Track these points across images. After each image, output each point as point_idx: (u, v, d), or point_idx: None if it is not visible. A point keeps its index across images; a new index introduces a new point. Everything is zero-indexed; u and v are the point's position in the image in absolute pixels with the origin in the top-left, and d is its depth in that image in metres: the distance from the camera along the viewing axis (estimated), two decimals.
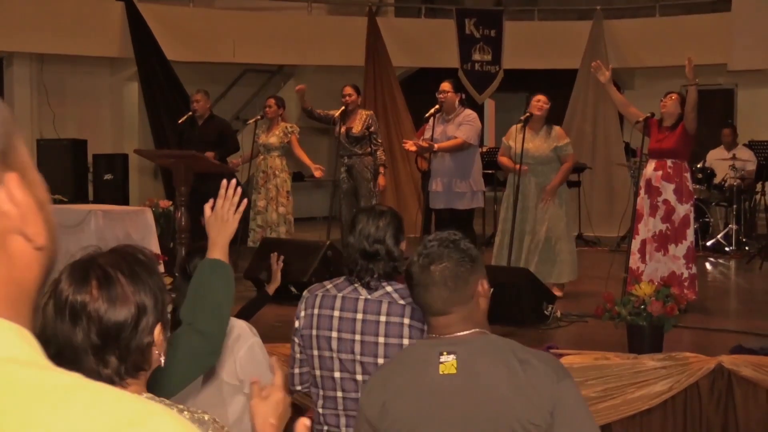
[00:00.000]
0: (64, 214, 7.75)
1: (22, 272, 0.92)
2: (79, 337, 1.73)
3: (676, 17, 14.10)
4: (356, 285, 3.40)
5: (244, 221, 8.50)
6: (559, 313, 6.76)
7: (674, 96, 7.30)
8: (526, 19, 14.60)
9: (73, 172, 11.85)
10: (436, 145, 7.96)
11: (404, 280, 2.58)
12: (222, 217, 2.58)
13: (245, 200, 2.66)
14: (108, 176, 12.01)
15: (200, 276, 2.52)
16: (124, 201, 11.64)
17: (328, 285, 3.47)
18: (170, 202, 9.80)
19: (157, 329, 1.82)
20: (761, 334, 6.24)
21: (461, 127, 8.04)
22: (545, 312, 6.64)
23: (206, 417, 1.72)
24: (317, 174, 9.27)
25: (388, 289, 3.37)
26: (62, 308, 1.75)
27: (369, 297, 3.36)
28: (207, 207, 2.65)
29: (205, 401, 3.54)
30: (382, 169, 9.02)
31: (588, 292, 7.57)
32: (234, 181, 2.67)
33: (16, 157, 0.91)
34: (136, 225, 7.81)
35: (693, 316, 6.85)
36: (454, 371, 2.38)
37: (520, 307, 6.46)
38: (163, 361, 1.84)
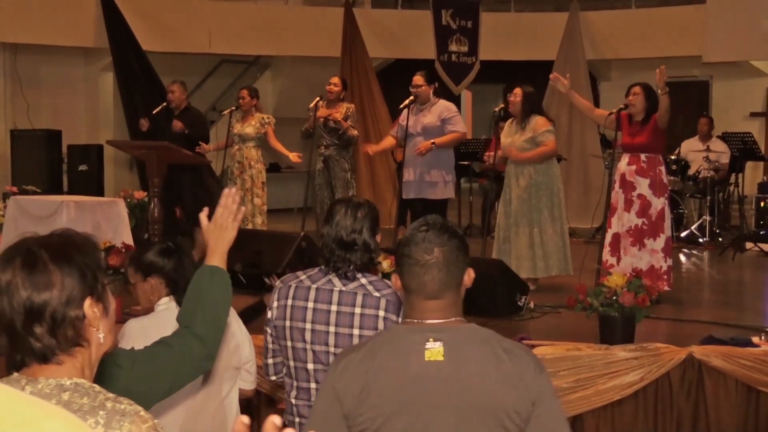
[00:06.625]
0: (37, 205, 7.71)
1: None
2: (7, 312, 1.82)
3: (652, 9, 14.16)
4: (330, 276, 3.37)
5: None
6: (532, 304, 6.78)
7: (637, 89, 7.26)
8: (503, 11, 14.61)
9: (47, 163, 11.78)
10: (437, 141, 7.94)
11: (396, 260, 2.55)
12: (221, 225, 2.59)
13: (243, 208, 2.66)
14: (83, 167, 11.93)
15: (200, 282, 2.53)
16: (99, 192, 11.57)
17: (302, 276, 3.43)
18: (145, 194, 9.76)
19: (87, 303, 1.85)
20: (732, 325, 6.29)
21: (450, 120, 8.04)
22: (518, 303, 6.66)
23: (128, 408, 1.74)
24: (295, 159, 9.20)
25: (363, 281, 3.35)
26: None
27: (344, 288, 3.34)
28: (203, 216, 2.64)
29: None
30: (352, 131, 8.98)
31: (561, 283, 7.60)
32: (234, 189, 2.68)
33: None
34: (108, 216, 7.79)
35: (665, 306, 6.89)
36: (442, 358, 2.38)
37: (493, 298, 6.46)
38: (102, 338, 1.88)
